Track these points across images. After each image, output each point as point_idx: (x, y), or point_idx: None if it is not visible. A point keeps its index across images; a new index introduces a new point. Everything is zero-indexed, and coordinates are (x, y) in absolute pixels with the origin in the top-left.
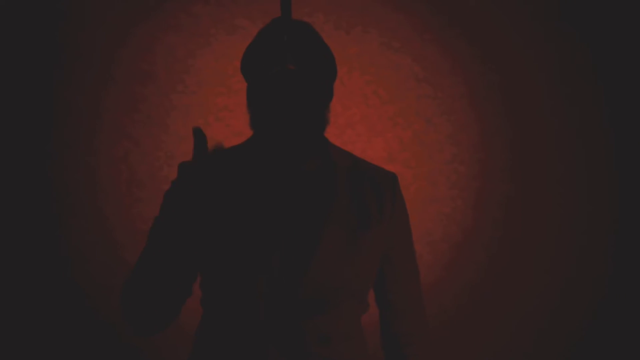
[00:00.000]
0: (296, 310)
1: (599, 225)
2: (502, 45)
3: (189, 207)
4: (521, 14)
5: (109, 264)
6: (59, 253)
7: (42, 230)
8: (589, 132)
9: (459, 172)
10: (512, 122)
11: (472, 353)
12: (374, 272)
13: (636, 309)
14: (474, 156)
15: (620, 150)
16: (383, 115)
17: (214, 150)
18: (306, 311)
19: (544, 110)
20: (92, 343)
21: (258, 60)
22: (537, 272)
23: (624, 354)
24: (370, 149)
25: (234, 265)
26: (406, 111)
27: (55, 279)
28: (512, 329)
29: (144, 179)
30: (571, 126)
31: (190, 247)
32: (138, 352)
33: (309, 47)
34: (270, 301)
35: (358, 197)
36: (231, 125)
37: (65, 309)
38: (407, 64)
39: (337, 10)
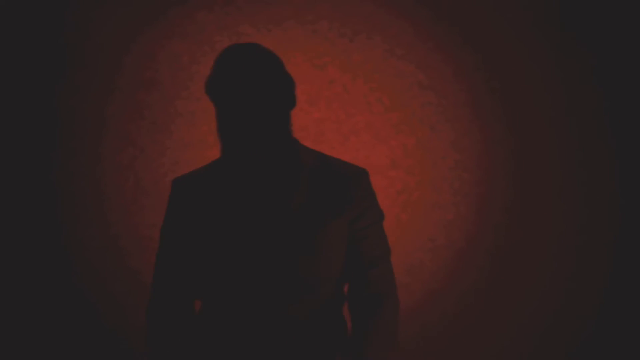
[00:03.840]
0: (280, 297)
1: (600, 231)
2: (505, 52)
3: (186, 221)
4: (523, 20)
5: (114, 271)
6: (63, 260)
7: (47, 237)
8: (591, 138)
9: (463, 178)
10: (515, 128)
11: (475, 357)
12: (341, 260)
13: (637, 313)
14: (477, 163)
15: (621, 156)
16: (387, 123)
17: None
18: (288, 296)
19: (546, 116)
20: (96, 348)
21: (219, 87)
22: (539, 277)
23: (626, 356)
24: (374, 156)
25: (222, 267)
26: (410, 118)
27: (60, 285)
28: (514, 334)
29: (149, 186)
30: (573, 133)
31: (193, 255)
32: (141, 357)
33: (259, 68)
34: (258, 294)
35: (321, 191)
36: None
37: (70, 315)
38: (410, 71)
39: (341, 17)
